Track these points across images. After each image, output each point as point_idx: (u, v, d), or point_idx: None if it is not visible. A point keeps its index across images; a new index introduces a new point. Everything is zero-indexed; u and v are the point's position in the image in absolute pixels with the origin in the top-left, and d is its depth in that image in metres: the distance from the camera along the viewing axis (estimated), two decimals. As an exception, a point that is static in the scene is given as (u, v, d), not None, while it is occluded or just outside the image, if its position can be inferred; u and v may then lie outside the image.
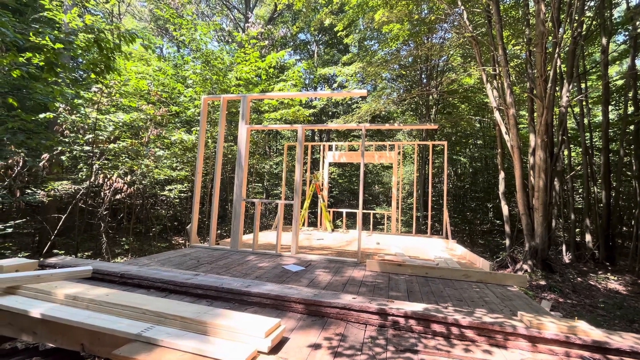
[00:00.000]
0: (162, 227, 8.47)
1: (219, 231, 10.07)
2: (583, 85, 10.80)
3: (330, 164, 10.06)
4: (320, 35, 20.46)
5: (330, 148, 9.24)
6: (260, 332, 1.94)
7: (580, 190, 11.58)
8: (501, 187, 9.95)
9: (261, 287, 2.88)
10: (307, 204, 9.35)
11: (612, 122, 11.00)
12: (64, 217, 6.02)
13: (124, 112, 6.97)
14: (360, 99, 14.28)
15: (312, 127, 5.51)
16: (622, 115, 11.41)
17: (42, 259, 3.46)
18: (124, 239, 7.61)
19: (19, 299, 2.51)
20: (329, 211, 9.64)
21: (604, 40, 10.23)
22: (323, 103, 12.50)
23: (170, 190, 7.22)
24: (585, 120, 10.73)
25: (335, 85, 12.98)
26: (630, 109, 10.53)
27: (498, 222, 16.81)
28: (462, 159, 19.74)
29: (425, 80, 16.19)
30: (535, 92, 7.64)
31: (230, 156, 10.59)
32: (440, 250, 6.65)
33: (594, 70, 11.74)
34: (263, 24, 14.03)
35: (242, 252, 5.16)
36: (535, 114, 8.97)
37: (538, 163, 7.68)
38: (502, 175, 9.92)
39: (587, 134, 10.84)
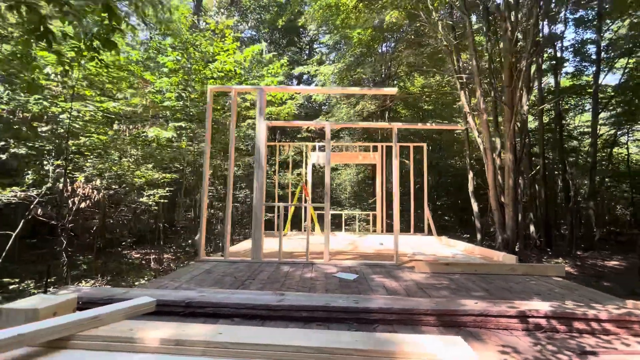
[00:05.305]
0: (136, 240, 7.10)
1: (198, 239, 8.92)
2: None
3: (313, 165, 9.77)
4: (272, 35, 19.94)
5: (314, 149, 8.95)
6: (466, 356, 1.65)
7: (523, 188, 13.38)
8: (470, 186, 10.87)
9: (372, 301, 2.53)
10: (293, 207, 8.91)
11: (546, 128, 12.91)
12: (14, 234, 4.56)
13: (98, 101, 5.64)
14: (335, 100, 14.27)
15: (341, 125, 5.21)
16: (549, 123, 13.54)
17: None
18: (81, 257, 6.16)
19: (77, 354, 1.74)
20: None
21: (540, 60, 12.00)
22: (298, 102, 12.13)
23: (149, 196, 6.05)
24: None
25: (313, 84, 12.68)
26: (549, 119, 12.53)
27: (446, 218, 18.48)
28: (406, 161, 21.28)
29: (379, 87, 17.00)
30: (504, 99, 8.50)
31: (198, 157, 9.48)
32: (442, 246, 6.91)
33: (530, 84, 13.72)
34: (227, 14, 13.02)
35: (269, 262, 4.59)
36: (499, 120, 10.00)
37: (507, 164, 8.54)
38: (471, 174, 10.85)
39: (526, 139, 12.54)
